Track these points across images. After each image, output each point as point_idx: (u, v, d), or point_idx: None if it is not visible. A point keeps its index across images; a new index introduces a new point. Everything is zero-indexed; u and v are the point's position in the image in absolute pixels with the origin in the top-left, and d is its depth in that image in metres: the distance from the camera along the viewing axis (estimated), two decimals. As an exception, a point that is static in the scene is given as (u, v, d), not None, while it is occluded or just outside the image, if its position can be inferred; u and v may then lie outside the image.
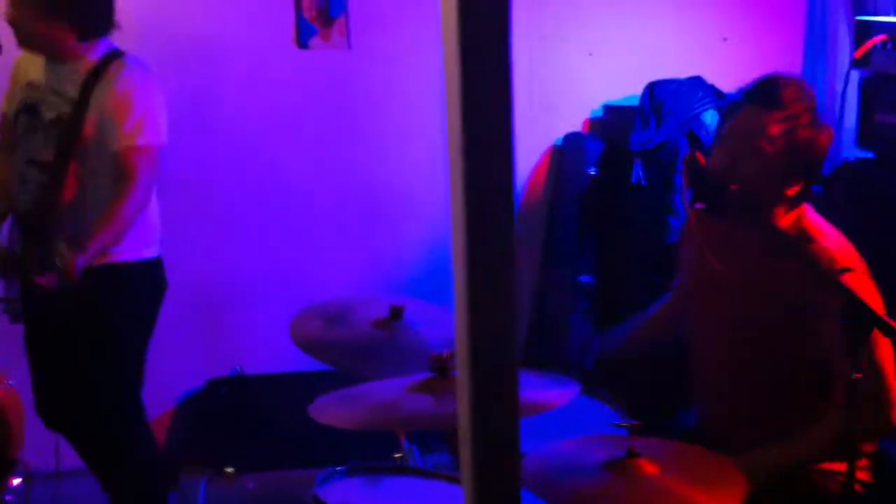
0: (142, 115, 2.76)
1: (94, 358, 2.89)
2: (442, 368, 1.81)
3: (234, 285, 3.75)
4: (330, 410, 1.77)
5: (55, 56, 2.80)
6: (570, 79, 3.86)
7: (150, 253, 2.94)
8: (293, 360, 3.48)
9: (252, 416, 3.36)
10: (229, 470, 2.26)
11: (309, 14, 3.71)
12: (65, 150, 2.73)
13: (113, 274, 2.82)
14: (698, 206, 2.12)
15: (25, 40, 2.78)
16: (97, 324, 2.85)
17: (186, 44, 3.59)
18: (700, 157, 2.07)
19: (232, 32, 3.64)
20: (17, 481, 3.49)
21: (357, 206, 3.82)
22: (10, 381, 2.35)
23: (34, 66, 2.86)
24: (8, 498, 3.46)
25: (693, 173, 2.05)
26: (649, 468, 1.70)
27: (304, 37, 3.72)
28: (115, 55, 2.82)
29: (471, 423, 0.89)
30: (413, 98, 3.82)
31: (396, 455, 2.30)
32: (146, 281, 2.96)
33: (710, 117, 3.36)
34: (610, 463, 1.72)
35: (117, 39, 2.91)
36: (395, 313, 2.49)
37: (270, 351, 3.63)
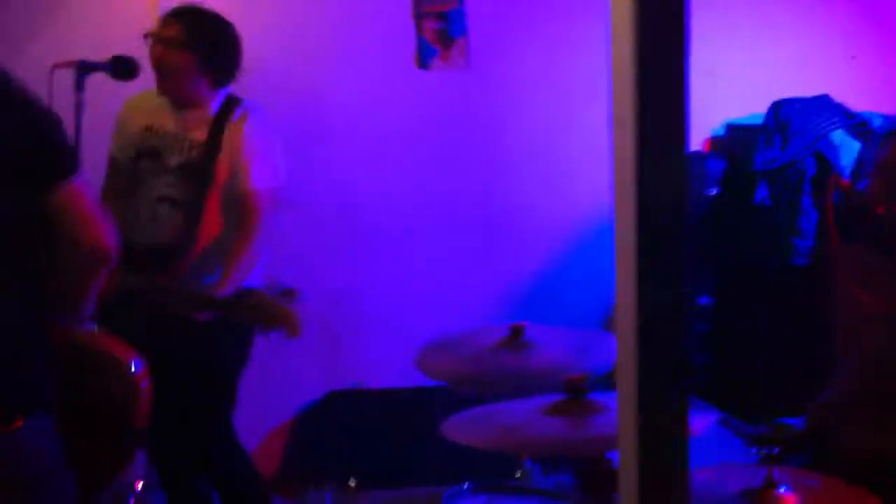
0: (263, 159, 2.92)
1: (199, 389, 2.97)
2: (576, 391, 1.80)
3: (356, 301, 3.82)
4: (463, 429, 1.78)
5: (183, 102, 2.93)
6: (691, 98, 3.81)
7: (250, 282, 2.98)
8: (411, 375, 3.54)
9: (370, 430, 3.41)
10: (353, 483, 2.30)
11: (430, 35, 3.77)
12: (201, 191, 2.88)
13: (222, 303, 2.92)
14: (845, 235, 2.06)
15: (168, 86, 2.88)
16: (206, 346, 2.92)
17: (312, 65, 3.69)
18: (842, 182, 2.02)
19: (355, 54, 3.73)
20: (140, 484, 3.64)
21: (475, 227, 3.85)
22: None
23: (150, 113, 2.97)
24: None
25: (837, 200, 2.00)
26: (788, 499, 1.66)
27: (424, 57, 3.78)
28: (234, 102, 2.96)
29: (636, 459, 0.87)
30: (531, 119, 3.84)
31: (517, 474, 2.30)
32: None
33: (839, 137, 3.27)
34: (748, 493, 1.69)
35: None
36: (515, 334, 2.51)
37: (388, 365, 3.68)
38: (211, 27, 2.91)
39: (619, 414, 0.91)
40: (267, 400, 3.46)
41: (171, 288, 2.82)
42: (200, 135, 2.90)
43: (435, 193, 3.83)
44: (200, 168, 2.88)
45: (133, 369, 2.25)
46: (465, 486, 2.00)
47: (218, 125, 2.90)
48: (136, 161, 2.95)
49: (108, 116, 2.98)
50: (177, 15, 2.88)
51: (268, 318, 2.62)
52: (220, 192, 2.90)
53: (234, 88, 2.99)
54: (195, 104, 2.92)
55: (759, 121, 3.56)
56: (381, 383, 3.72)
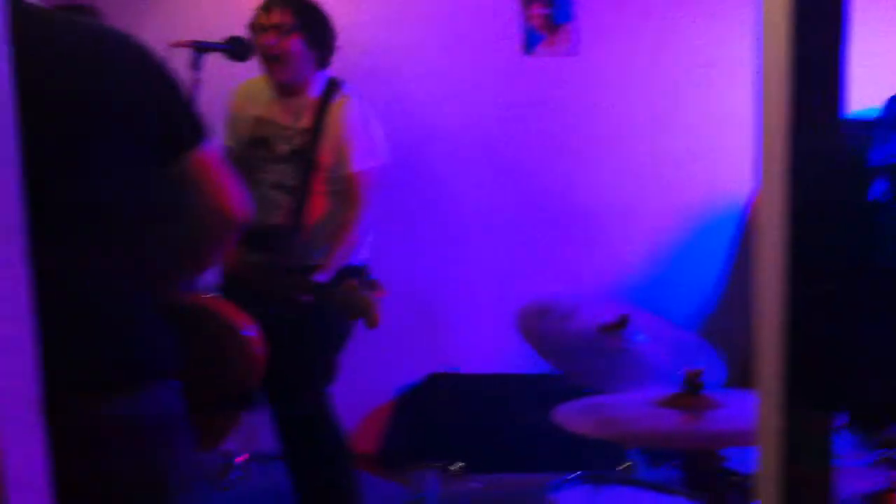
0: (365, 140, 2.97)
1: (308, 349, 3.05)
2: (693, 385, 1.77)
3: (457, 285, 3.84)
4: (575, 417, 1.77)
5: (291, 87, 2.98)
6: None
7: (360, 258, 3.09)
8: (509, 362, 3.54)
9: (470, 413, 3.42)
10: (457, 466, 2.30)
11: (536, 21, 3.74)
12: (307, 176, 2.96)
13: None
14: None
15: (280, 71, 2.93)
16: (314, 317, 2.99)
17: (417, 49, 3.70)
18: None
19: (461, 38, 3.73)
20: (240, 458, 3.73)
21: (577, 215, 3.81)
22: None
23: (260, 101, 3.04)
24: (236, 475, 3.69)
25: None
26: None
27: (530, 43, 3.75)
28: (333, 86, 3.01)
29: (777, 459, 0.85)
30: (636, 105, 3.78)
31: (623, 465, 2.28)
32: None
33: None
34: (868, 496, 1.63)
35: (348, 55, 3.07)
36: (622, 321, 2.48)
37: (488, 351, 3.69)
38: (314, 11, 2.97)
39: (759, 412, 0.88)
40: (367, 381, 3.50)
41: (279, 269, 2.89)
42: (305, 121, 2.97)
43: (538, 180, 3.81)
44: (306, 154, 2.95)
45: (246, 335, 2.31)
46: (573, 476, 1.99)
47: (320, 110, 2.96)
48: (249, 149, 3.04)
49: (221, 95, 3.05)
50: (282, 1, 2.92)
51: (352, 308, 2.68)
52: (325, 176, 2.97)
53: (343, 74, 3.03)
54: (300, 90, 2.97)
55: (871, 115, 3.42)
56: (476, 368, 3.73)
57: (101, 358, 1.65)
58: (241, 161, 3.04)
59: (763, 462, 0.87)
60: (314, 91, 2.98)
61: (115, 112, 1.63)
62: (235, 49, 2.83)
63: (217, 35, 2.88)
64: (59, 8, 3.43)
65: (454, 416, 3.43)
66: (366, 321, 2.69)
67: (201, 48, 2.73)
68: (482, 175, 3.81)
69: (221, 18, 3.40)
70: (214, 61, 2.83)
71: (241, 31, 2.92)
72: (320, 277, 2.87)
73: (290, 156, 2.99)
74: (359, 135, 2.97)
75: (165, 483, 1.72)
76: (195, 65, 2.71)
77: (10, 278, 0.90)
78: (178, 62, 2.63)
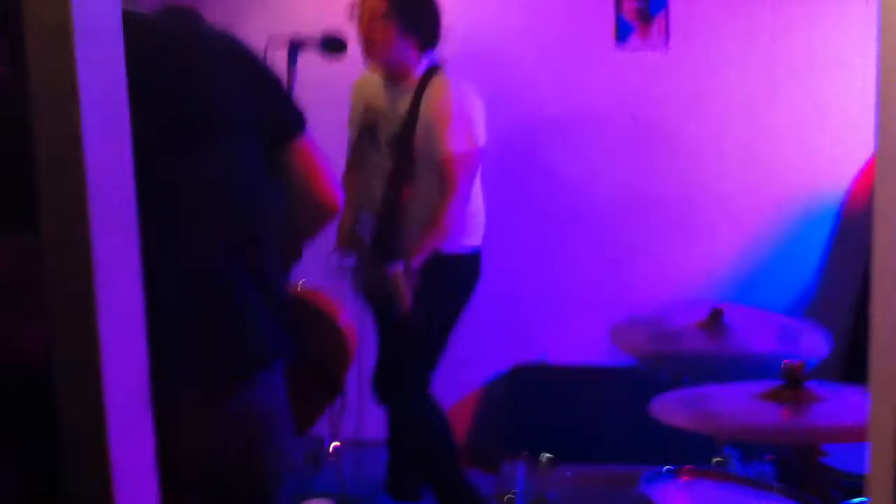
0: (458, 123, 2.95)
1: (412, 333, 3.09)
2: (794, 378, 1.74)
3: (544, 275, 3.83)
4: (672, 410, 1.76)
5: (395, 74, 3.03)
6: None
7: (469, 244, 3.11)
8: (595, 352, 3.53)
9: (558, 405, 3.42)
10: (547, 457, 2.31)
11: (629, 12, 3.70)
12: (402, 164, 2.99)
13: (434, 263, 3.02)
14: None
15: (376, 55, 2.99)
16: (419, 305, 3.03)
17: (510, 39, 3.71)
18: None
19: (553, 28, 3.72)
20: (334, 445, 3.80)
21: (670, 207, 3.77)
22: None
23: (370, 90, 3.12)
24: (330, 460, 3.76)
25: None
26: None
27: (622, 34, 3.71)
28: (434, 69, 3.02)
29: (892, 454, 0.84)
30: (731, 97, 3.72)
31: (717, 459, 2.25)
32: (461, 271, 3.14)
33: None
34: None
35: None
36: (716, 316, 2.45)
37: (575, 343, 3.68)
38: None
39: (873, 409, 0.87)
40: (453, 371, 3.51)
41: (378, 254, 2.95)
42: (404, 106, 2.99)
43: (630, 172, 3.78)
44: (404, 139, 2.98)
45: (339, 324, 2.36)
46: (667, 469, 1.97)
47: (417, 94, 2.98)
48: (360, 138, 3.12)
49: (315, 90, 3.10)
50: None
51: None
52: (420, 159, 2.98)
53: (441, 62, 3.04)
54: (404, 75, 3.00)
55: None
56: (563, 359, 3.73)
57: (220, 348, 1.71)
58: (355, 149, 3.15)
59: (875, 460, 0.86)
60: (416, 73, 2.99)
61: (220, 107, 1.69)
62: (330, 45, 2.88)
63: (314, 30, 2.94)
64: (163, 9, 3.54)
65: (542, 407, 3.43)
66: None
67: (297, 44, 2.78)
68: (573, 167, 3.80)
69: (318, 14, 3.46)
70: (310, 57, 2.89)
71: (336, 26, 2.97)
72: (413, 263, 2.90)
73: (391, 141, 3.03)
74: (453, 117, 2.94)
75: (269, 469, 1.78)
76: (291, 60, 2.76)
77: (122, 274, 0.94)
78: (276, 57, 2.71)
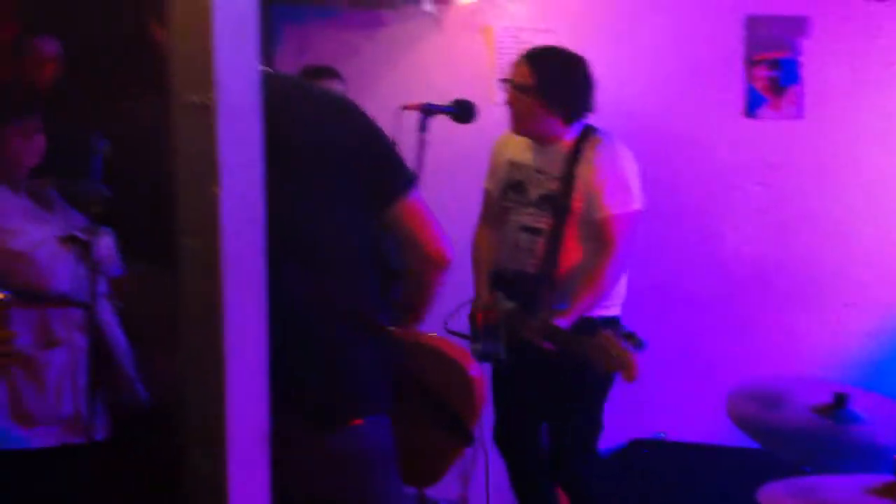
0: (617, 184, 2.96)
1: (561, 405, 3.08)
2: (913, 474, 1.66)
3: (665, 345, 3.76)
4: (781, 498, 1.71)
5: (542, 139, 3.05)
6: None
7: (613, 311, 3.07)
8: (716, 433, 3.43)
9: (672, 483, 3.34)
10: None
11: (760, 83, 3.67)
12: (559, 222, 2.98)
13: (584, 328, 2.92)
14: None
15: (521, 126, 3.04)
16: (562, 371, 2.99)
17: (640, 107, 3.72)
18: None
19: (684, 100, 3.72)
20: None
21: (797, 283, 3.67)
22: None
23: (515, 148, 3.13)
24: None
25: None
26: None
27: (752, 106, 3.68)
28: (589, 132, 3.03)
29: None
30: (864, 173, 3.62)
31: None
32: None
33: None
34: None
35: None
36: (839, 401, 2.36)
37: (695, 420, 3.59)
38: (560, 70, 2.99)
39: None
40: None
41: (527, 314, 2.90)
42: (558, 167, 3.00)
43: (756, 241, 3.70)
44: (558, 199, 2.98)
45: (470, 374, 2.38)
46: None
47: (573, 157, 2.98)
48: (504, 193, 3.14)
49: (445, 155, 3.20)
50: (528, 59, 3.00)
51: (608, 360, 2.61)
52: (578, 221, 2.97)
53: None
54: (552, 140, 3.02)
55: None
56: (681, 437, 3.64)
57: (324, 390, 1.77)
58: (498, 205, 3.17)
59: None
60: (568, 139, 3.01)
61: (338, 163, 1.80)
62: (460, 112, 2.95)
63: (446, 97, 3.03)
64: (305, 70, 3.73)
65: (655, 484, 3.35)
66: (623, 374, 2.61)
67: (429, 111, 2.86)
68: (699, 233, 3.75)
69: (450, 82, 3.58)
70: (441, 123, 2.97)
71: (466, 94, 3.05)
72: (561, 323, 2.84)
73: (542, 200, 3.03)
74: (611, 179, 2.95)
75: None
76: (422, 126, 2.85)
77: (250, 314, 1.01)
78: (408, 123, 2.82)
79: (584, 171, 2.96)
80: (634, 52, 3.75)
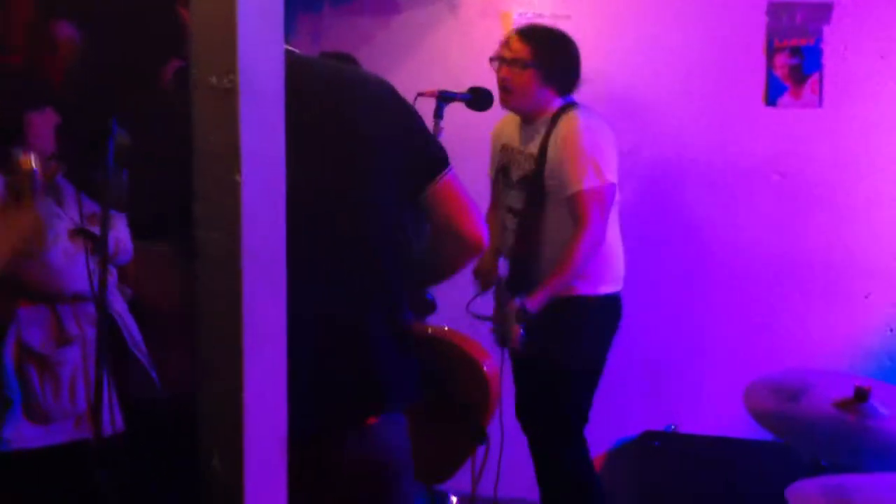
0: (589, 157, 2.90)
1: (552, 377, 3.04)
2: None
3: (679, 334, 3.74)
4: (812, 498, 1.67)
5: (531, 116, 3.05)
6: None
7: (608, 289, 3.06)
8: (730, 425, 3.40)
9: (685, 475, 3.31)
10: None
11: (781, 71, 3.61)
12: (532, 202, 2.99)
13: (572, 305, 2.99)
14: None
15: (513, 101, 3.03)
16: (558, 347, 3.00)
17: (659, 94, 3.68)
18: None
19: (704, 86, 3.66)
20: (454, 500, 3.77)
21: (817, 274, 3.62)
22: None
23: (507, 131, 3.16)
24: None
25: None
26: None
27: (773, 94, 3.63)
28: (566, 108, 3.00)
29: None
30: (884, 162, 3.56)
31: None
32: (601, 315, 3.08)
33: None
34: None
35: (587, 94, 3.10)
36: (861, 395, 2.33)
37: (709, 412, 3.56)
38: (556, 46, 3.01)
39: None
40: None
41: (503, 295, 2.92)
42: (535, 145, 3.01)
43: (774, 230, 3.66)
44: (533, 179, 2.98)
45: (485, 369, 2.35)
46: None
47: (547, 133, 2.97)
48: (496, 177, 3.18)
49: (461, 141, 3.16)
50: (520, 34, 3.02)
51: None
52: (554, 200, 2.96)
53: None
54: (538, 115, 3.02)
55: None
56: (695, 429, 3.61)
57: (341, 387, 1.74)
58: (492, 190, 3.21)
59: None
60: (551, 112, 3.01)
61: (375, 146, 1.75)
62: (476, 99, 2.93)
63: (462, 84, 3.00)
64: (322, 55, 3.70)
65: (669, 478, 3.32)
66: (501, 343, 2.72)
67: (445, 98, 2.84)
68: (715, 220, 3.70)
69: (466, 69, 3.54)
70: (456, 110, 2.94)
71: (483, 81, 3.02)
72: (530, 305, 2.85)
73: (520, 182, 3.05)
74: (582, 152, 2.90)
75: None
76: (438, 113, 2.82)
77: (270, 312, 0.97)
78: (424, 109, 2.78)
79: (552, 148, 2.94)
80: (654, 38, 3.70)
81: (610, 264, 3.05)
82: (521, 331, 2.85)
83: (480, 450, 2.40)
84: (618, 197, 3.03)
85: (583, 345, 3.05)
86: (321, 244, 1.68)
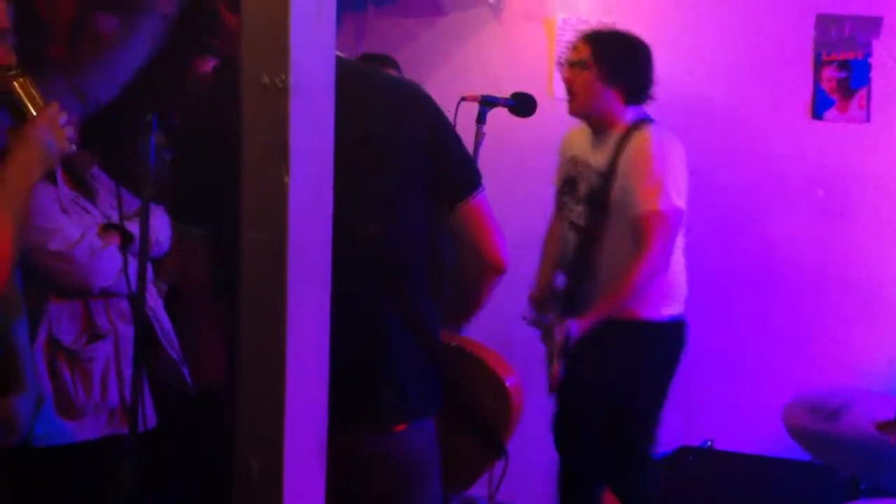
0: (659, 178, 2.79)
1: (609, 404, 2.96)
2: None
3: (717, 351, 3.68)
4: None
5: (599, 124, 2.94)
6: None
7: (670, 312, 2.95)
8: (767, 443, 3.35)
9: (718, 494, 3.26)
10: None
11: (828, 85, 3.55)
12: (595, 219, 2.89)
13: (633, 330, 2.89)
14: None
15: (578, 105, 2.94)
16: (616, 373, 2.91)
17: (705, 105, 3.62)
18: None
19: (749, 99, 3.61)
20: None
21: (858, 291, 3.56)
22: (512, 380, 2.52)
23: (577, 142, 3.05)
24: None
25: None
26: None
27: (819, 108, 3.57)
28: (641, 123, 2.90)
29: None
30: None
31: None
32: (664, 340, 2.97)
33: None
34: None
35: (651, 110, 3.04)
36: (904, 418, 2.28)
37: (745, 430, 3.51)
38: (619, 46, 2.92)
39: None
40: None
41: (564, 314, 2.88)
42: (604, 160, 2.90)
43: (815, 247, 3.59)
44: (599, 195, 2.89)
45: (507, 384, 2.33)
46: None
47: (618, 148, 2.87)
48: (560, 190, 3.09)
49: (501, 148, 3.14)
50: (585, 37, 2.95)
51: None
52: (619, 219, 2.84)
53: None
54: (608, 125, 2.92)
55: None
56: (731, 446, 3.55)
57: (370, 394, 1.73)
58: (556, 202, 3.11)
59: None
60: (623, 123, 2.91)
61: (408, 157, 1.73)
62: (519, 105, 2.88)
63: (502, 89, 2.97)
64: (363, 58, 3.69)
65: (704, 492, 3.27)
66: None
67: (488, 102, 2.80)
68: (762, 239, 3.64)
69: (509, 74, 3.52)
70: (498, 115, 2.91)
71: (525, 86, 2.99)
72: (575, 328, 2.77)
73: (587, 197, 2.94)
74: (651, 174, 2.78)
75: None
76: (481, 118, 2.79)
77: (314, 316, 0.96)
78: (466, 114, 2.76)
79: (622, 165, 2.83)
80: (699, 47, 3.65)
81: (671, 287, 2.93)
82: (562, 370, 2.78)
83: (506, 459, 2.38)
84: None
85: (641, 378, 2.92)
86: (350, 253, 1.67)
